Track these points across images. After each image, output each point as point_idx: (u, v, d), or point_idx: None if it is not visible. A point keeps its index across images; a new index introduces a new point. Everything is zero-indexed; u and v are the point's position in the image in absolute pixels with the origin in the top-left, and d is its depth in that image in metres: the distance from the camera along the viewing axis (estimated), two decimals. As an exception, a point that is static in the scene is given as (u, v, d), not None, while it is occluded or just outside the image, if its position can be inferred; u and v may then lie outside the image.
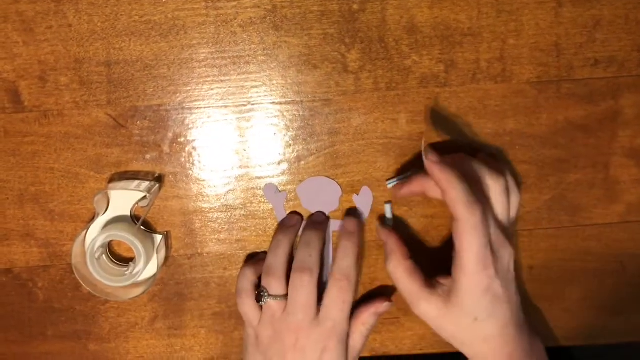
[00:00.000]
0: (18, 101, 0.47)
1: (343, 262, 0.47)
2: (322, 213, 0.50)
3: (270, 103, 0.48)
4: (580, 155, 0.50)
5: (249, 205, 0.50)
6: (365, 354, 0.53)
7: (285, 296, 0.46)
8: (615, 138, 0.49)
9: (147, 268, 0.48)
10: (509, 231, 0.45)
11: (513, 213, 0.46)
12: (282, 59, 0.47)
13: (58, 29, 0.46)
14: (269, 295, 0.46)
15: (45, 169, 0.49)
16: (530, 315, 0.47)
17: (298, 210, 0.50)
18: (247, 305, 0.47)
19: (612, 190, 0.50)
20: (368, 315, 0.49)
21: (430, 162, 0.42)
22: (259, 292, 0.47)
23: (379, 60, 0.47)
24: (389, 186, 0.49)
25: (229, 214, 0.50)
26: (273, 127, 0.48)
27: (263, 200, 0.50)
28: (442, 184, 0.41)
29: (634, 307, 0.53)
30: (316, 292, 0.46)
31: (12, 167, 0.49)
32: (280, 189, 0.50)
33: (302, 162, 0.49)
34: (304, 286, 0.46)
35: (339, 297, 0.46)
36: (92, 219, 0.49)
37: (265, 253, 0.50)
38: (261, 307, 0.47)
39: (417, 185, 0.46)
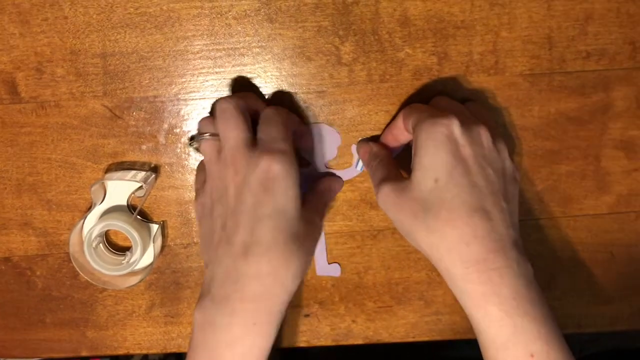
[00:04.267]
0: (15, 92, 0.48)
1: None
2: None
3: (265, 94, 0.48)
4: (572, 147, 0.50)
5: (244, 195, 0.51)
6: (359, 342, 0.54)
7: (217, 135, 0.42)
8: (606, 130, 0.50)
9: (144, 257, 0.49)
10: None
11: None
12: (277, 51, 0.47)
13: (54, 20, 0.46)
14: (200, 134, 0.43)
15: (43, 159, 0.49)
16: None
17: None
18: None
19: (602, 181, 0.51)
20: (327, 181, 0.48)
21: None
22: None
23: (373, 52, 0.47)
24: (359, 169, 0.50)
25: (225, 204, 0.51)
26: (268, 118, 0.49)
27: (258, 190, 0.50)
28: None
29: (623, 296, 0.54)
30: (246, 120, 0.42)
31: (10, 158, 0.49)
32: None
33: (297, 153, 0.50)
34: (228, 113, 0.42)
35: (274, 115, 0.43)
36: (89, 208, 0.49)
37: None
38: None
39: (389, 138, 0.47)
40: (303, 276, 0.42)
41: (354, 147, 0.49)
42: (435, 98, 0.47)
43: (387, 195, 0.42)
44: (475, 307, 0.39)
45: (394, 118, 0.48)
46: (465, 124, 0.40)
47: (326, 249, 0.51)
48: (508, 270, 0.38)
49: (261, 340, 0.40)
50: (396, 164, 0.46)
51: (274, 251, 0.39)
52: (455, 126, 0.39)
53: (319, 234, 0.44)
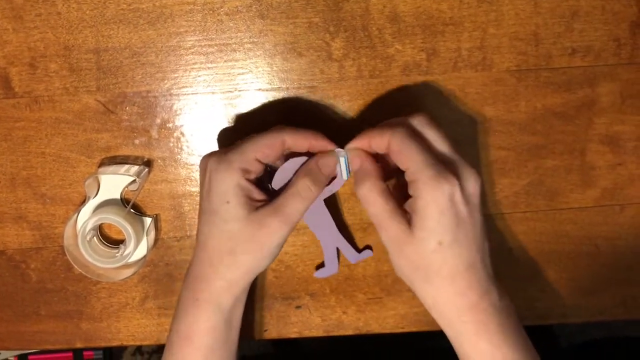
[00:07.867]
0: (9, 87, 0.48)
1: None
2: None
3: (257, 90, 0.49)
4: (558, 142, 0.51)
5: (236, 189, 0.51)
6: (349, 333, 0.55)
7: None
8: (592, 125, 0.51)
9: (137, 250, 0.50)
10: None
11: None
12: (268, 47, 0.48)
13: (47, 16, 0.47)
14: None
15: (37, 153, 0.50)
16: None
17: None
18: None
19: (587, 175, 0.52)
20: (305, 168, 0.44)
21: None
22: None
23: (363, 48, 0.48)
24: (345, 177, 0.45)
25: (217, 197, 0.51)
26: (259, 113, 0.50)
27: (250, 184, 0.51)
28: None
29: (606, 287, 0.55)
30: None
31: (4, 152, 0.50)
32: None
33: (288, 148, 0.50)
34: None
35: None
36: (83, 202, 0.50)
37: None
38: None
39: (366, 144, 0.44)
40: (249, 269, 0.45)
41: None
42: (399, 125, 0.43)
43: (390, 239, 0.43)
44: (468, 343, 0.42)
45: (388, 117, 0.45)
46: (461, 182, 0.41)
47: (351, 241, 0.52)
48: (493, 308, 0.42)
49: (204, 315, 0.45)
50: (388, 188, 0.43)
51: (209, 242, 0.44)
52: (457, 189, 0.40)
53: (275, 234, 0.44)
